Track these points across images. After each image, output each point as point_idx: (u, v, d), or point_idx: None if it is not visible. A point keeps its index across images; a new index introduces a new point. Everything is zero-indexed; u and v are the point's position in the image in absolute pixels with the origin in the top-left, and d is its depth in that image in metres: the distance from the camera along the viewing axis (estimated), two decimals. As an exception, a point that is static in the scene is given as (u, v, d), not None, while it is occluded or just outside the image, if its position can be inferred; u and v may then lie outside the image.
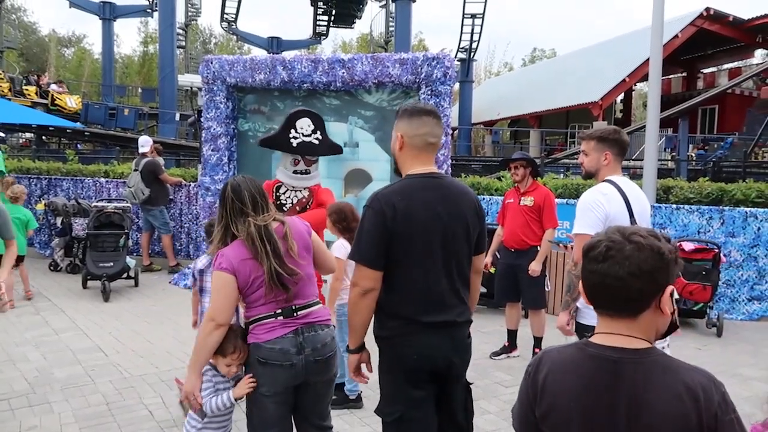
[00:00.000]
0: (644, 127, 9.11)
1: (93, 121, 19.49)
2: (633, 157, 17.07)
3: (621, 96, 26.54)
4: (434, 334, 2.20)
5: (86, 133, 18.10)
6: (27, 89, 18.68)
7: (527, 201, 4.91)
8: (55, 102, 18.65)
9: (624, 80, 21.09)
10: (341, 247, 3.70)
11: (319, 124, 5.41)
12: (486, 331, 5.76)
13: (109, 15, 27.33)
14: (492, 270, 5.53)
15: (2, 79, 19.06)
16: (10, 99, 18.09)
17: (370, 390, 3.72)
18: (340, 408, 3.74)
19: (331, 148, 5.64)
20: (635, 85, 25.82)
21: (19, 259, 6.54)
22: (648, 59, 8.27)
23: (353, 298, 2.19)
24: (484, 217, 2.40)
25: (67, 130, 17.51)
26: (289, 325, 2.36)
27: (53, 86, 19.33)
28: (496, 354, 5.04)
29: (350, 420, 3.72)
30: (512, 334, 5.11)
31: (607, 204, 2.73)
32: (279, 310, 2.36)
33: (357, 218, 3.67)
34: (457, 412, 2.32)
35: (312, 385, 2.42)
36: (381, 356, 2.30)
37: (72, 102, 19.31)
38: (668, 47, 19.66)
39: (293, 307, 2.38)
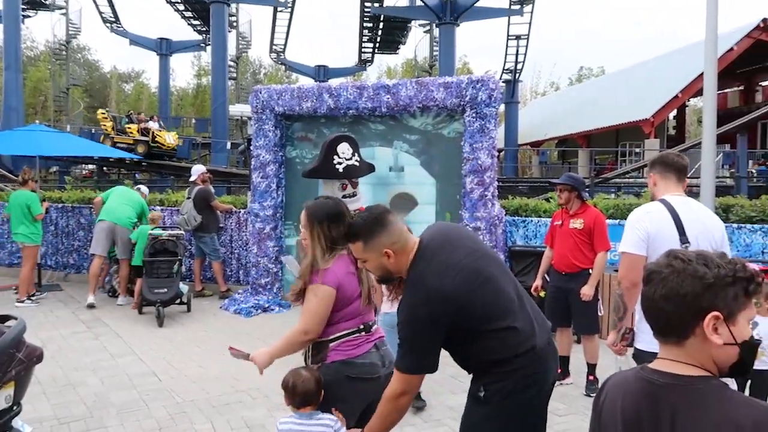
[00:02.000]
0: (699, 143, 8.79)
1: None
2: (689, 175, 16.46)
3: (674, 112, 25.78)
4: None
5: (143, 164, 18.89)
6: (129, 128, 19.59)
7: (577, 224, 4.79)
8: (156, 139, 19.51)
9: (677, 96, 20.49)
10: None
11: (355, 147, 5.51)
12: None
13: (165, 51, 28.75)
14: (542, 294, 5.40)
15: (106, 118, 20.14)
16: (113, 137, 19.08)
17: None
18: None
19: (369, 168, 5.75)
20: (688, 100, 25.03)
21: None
22: (701, 73, 8.01)
23: None
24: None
25: (126, 161, 18.36)
26: (371, 340, 2.48)
27: (151, 123, 20.16)
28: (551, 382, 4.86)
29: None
30: (564, 361, 4.93)
31: (650, 223, 2.68)
32: (362, 326, 2.46)
33: None
34: None
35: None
36: None
37: (170, 138, 20.27)
38: (723, 60, 19.02)
39: (370, 323, 2.49)
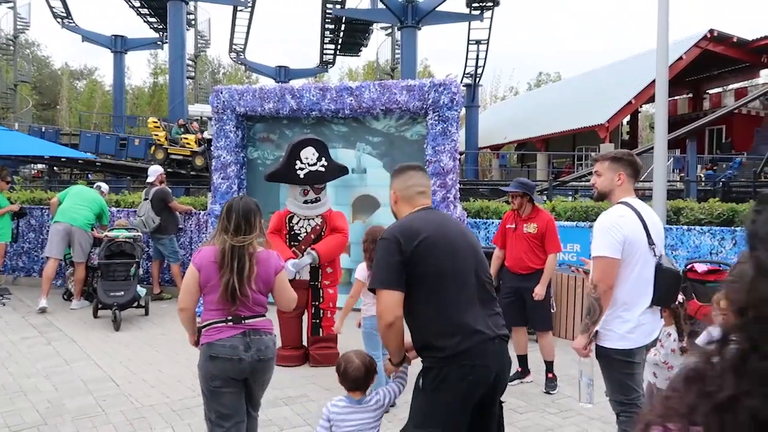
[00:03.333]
0: (652, 148, 9.12)
1: (104, 152, 19.77)
2: (641, 179, 17.02)
3: (627, 118, 26.63)
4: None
5: (97, 164, 18.32)
6: (186, 138, 17.64)
7: (530, 228, 4.93)
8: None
9: (630, 102, 21.20)
10: (363, 271, 4.15)
11: (323, 151, 5.45)
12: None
13: (120, 48, 27.96)
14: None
15: (158, 127, 18.33)
16: (167, 148, 17.38)
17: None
18: None
19: (339, 171, 5.69)
20: (641, 106, 25.91)
21: None
22: (653, 81, 8.31)
23: None
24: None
25: (79, 161, 17.76)
26: (238, 328, 2.79)
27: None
28: (509, 380, 4.96)
29: None
30: (523, 359, 5.04)
31: (625, 226, 2.74)
32: (229, 317, 2.79)
33: None
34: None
35: (257, 382, 2.88)
36: None
37: None
38: (673, 69, 19.76)
39: (241, 316, 2.80)
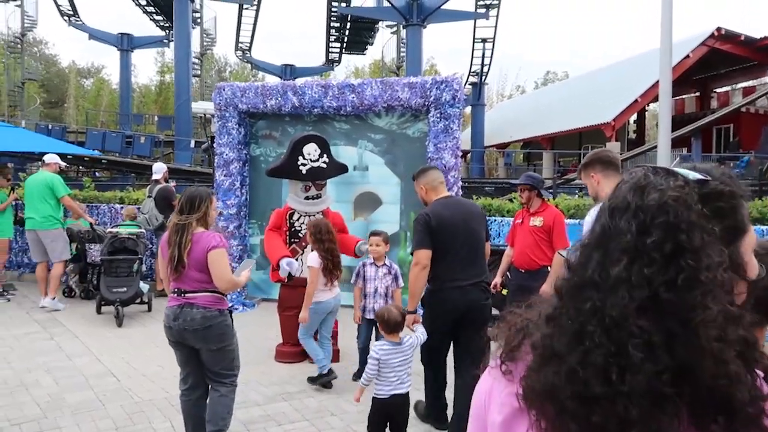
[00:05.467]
0: (656, 147, 9.06)
1: (110, 149, 19.84)
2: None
3: (634, 116, 26.48)
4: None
5: (103, 161, 18.37)
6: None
7: (536, 221, 4.87)
8: None
9: (636, 101, 21.06)
10: (315, 258, 4.60)
11: (324, 148, 5.46)
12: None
13: (126, 46, 28.03)
14: (504, 291, 5.47)
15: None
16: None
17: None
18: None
19: (339, 169, 5.70)
20: (648, 105, 25.74)
21: None
22: (659, 79, 8.24)
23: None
24: (485, 218, 3.99)
25: (85, 158, 17.82)
26: (179, 300, 3.29)
27: None
28: None
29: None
30: None
31: None
32: (176, 289, 3.31)
33: (331, 233, 4.69)
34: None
35: (200, 349, 3.32)
36: None
37: None
38: (680, 67, 19.64)
39: (182, 289, 3.29)
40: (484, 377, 1.00)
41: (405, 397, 3.34)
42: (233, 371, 3.46)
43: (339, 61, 32.21)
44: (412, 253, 3.64)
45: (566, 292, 0.87)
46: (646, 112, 29.38)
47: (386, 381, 3.28)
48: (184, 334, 3.26)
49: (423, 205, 3.85)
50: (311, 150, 5.40)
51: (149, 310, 7.23)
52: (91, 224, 7.94)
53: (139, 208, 8.48)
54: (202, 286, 3.28)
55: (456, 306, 3.62)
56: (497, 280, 5.23)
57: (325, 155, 5.45)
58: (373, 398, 3.34)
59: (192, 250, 3.23)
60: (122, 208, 9.05)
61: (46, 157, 7.82)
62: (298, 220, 5.44)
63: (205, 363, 3.37)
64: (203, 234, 3.30)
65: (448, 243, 3.59)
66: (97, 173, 22.00)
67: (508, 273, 5.22)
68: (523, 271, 4.90)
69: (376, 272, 4.75)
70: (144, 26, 38.56)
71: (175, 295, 3.31)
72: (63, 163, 8.01)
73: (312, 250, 4.70)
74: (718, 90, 27.31)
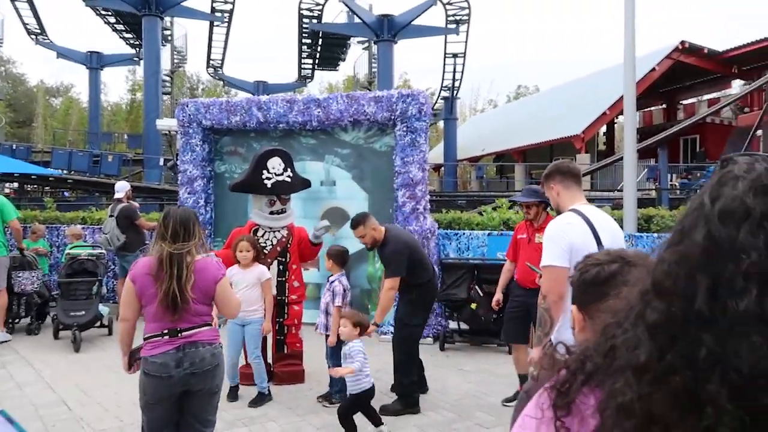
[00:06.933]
0: (622, 158, 9.15)
1: (77, 169, 19.41)
2: (617, 188, 17.14)
3: (603, 128, 26.90)
4: None
5: (69, 181, 17.96)
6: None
7: (542, 238, 4.60)
8: None
9: (605, 113, 21.39)
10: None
11: (288, 162, 5.37)
12: (467, 369, 5.58)
13: (95, 64, 27.65)
14: (473, 306, 5.38)
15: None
16: None
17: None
18: None
19: (303, 184, 5.61)
20: (617, 117, 26.18)
21: None
22: (623, 91, 8.33)
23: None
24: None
25: (50, 179, 17.41)
26: (174, 343, 2.75)
27: None
28: (508, 401, 4.61)
29: None
30: (524, 379, 4.50)
31: (573, 234, 2.65)
32: (165, 330, 2.76)
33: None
34: None
35: (195, 393, 2.80)
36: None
37: None
38: (647, 80, 20.02)
39: (177, 329, 2.76)
40: (528, 420, 0.77)
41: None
42: (216, 413, 3.01)
43: (312, 78, 32.18)
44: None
45: (659, 326, 0.63)
46: (615, 124, 29.89)
47: (365, 373, 3.88)
48: (190, 379, 2.75)
49: (391, 218, 3.98)
50: (275, 164, 5.29)
51: (110, 333, 6.96)
52: (20, 250, 7.21)
53: (100, 228, 8.23)
54: (203, 320, 2.85)
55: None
56: (498, 296, 5.02)
57: (289, 169, 5.34)
58: (355, 395, 3.84)
59: (197, 281, 2.76)
60: (84, 228, 8.77)
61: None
62: (263, 236, 5.30)
63: (195, 411, 2.85)
64: (206, 262, 2.86)
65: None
66: (66, 193, 21.50)
67: (508, 289, 4.92)
68: (527, 288, 4.46)
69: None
70: (115, 44, 38.11)
71: (167, 337, 2.75)
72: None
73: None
74: (685, 102, 27.95)
